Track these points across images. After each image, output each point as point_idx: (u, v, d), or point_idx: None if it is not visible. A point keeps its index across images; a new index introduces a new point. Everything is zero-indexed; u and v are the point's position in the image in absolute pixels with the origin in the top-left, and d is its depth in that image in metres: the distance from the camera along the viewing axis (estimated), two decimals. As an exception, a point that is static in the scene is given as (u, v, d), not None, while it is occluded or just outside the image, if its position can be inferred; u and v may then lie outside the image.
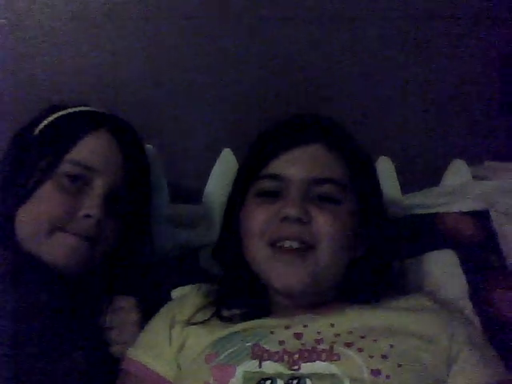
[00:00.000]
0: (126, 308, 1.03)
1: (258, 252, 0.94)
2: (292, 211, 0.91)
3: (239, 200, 0.99)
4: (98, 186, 0.99)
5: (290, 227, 0.91)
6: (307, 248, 0.91)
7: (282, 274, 0.91)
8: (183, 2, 1.39)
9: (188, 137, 1.42)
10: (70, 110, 1.06)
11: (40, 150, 1.02)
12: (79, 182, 0.99)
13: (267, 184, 0.96)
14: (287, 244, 0.91)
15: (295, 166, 0.95)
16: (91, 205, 0.98)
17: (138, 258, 1.10)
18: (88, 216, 0.97)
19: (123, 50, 1.39)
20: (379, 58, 1.44)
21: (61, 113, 1.05)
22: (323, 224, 0.91)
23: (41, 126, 1.04)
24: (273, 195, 0.95)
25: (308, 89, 1.42)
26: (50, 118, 1.05)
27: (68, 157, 1.00)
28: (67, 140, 1.01)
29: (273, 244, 0.92)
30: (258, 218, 0.94)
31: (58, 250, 0.97)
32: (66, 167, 0.99)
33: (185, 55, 1.40)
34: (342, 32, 1.43)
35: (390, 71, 1.45)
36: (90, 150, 1.01)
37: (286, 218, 0.91)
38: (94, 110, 1.08)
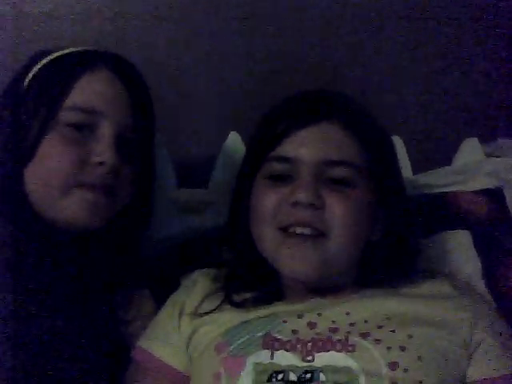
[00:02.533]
0: (140, 300, 1.01)
1: (267, 237, 0.90)
2: (304, 196, 0.86)
3: (248, 183, 0.94)
4: (106, 129, 0.91)
5: (302, 213, 0.86)
6: (318, 235, 0.87)
7: (291, 259, 0.87)
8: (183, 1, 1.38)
9: (194, 121, 1.40)
10: (60, 53, 0.95)
11: (34, 100, 0.91)
12: (84, 129, 0.91)
13: (277, 167, 0.91)
14: (298, 230, 0.87)
15: (307, 147, 0.89)
16: (102, 150, 0.90)
17: (137, 232, 1.04)
18: (101, 163, 0.89)
19: (123, 49, 1.37)
20: (387, 39, 1.41)
21: (50, 57, 0.95)
22: (336, 211, 0.86)
23: (30, 74, 0.94)
24: (283, 178, 0.90)
25: (314, 73, 1.39)
26: (39, 65, 0.94)
27: (66, 103, 0.90)
28: (62, 84, 0.91)
29: (283, 229, 0.88)
30: (268, 202, 0.89)
31: (75, 207, 0.89)
32: (66, 115, 0.90)
33: (191, 39, 1.38)
34: (342, 30, 1.40)
35: (400, 52, 1.42)
36: (90, 91, 0.91)
37: (297, 203, 0.86)
38: (87, 48, 0.98)
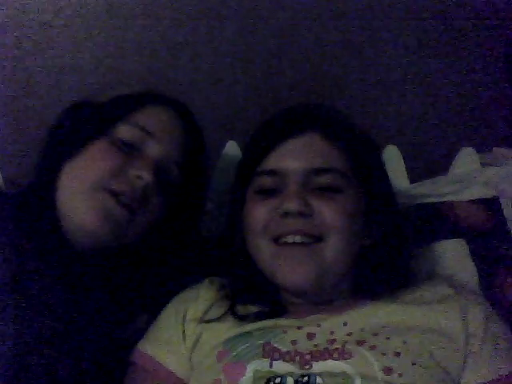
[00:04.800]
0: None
1: (261, 249, 0.91)
2: (291, 205, 0.88)
3: (240, 198, 0.96)
4: (151, 149, 0.97)
5: (292, 222, 0.88)
6: (314, 241, 0.88)
7: (287, 270, 0.88)
8: (183, 1, 1.38)
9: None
10: (139, 90, 1.05)
11: (100, 111, 1.00)
12: (132, 147, 0.96)
13: (265, 181, 0.93)
14: (290, 239, 0.88)
15: (291, 157, 0.91)
16: (143, 166, 0.94)
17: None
18: (138, 177, 0.93)
19: (123, 49, 1.38)
20: (385, 49, 1.43)
21: (128, 91, 1.04)
22: (328, 214, 0.88)
23: (104, 98, 1.02)
24: (272, 191, 0.92)
25: (310, 83, 1.41)
26: (114, 94, 1.03)
27: (127, 119, 0.98)
28: (129, 106, 0.99)
29: (276, 240, 0.90)
30: (259, 215, 0.91)
31: (93, 210, 0.91)
32: (123, 128, 0.97)
33: (189, 48, 1.40)
34: (343, 29, 1.42)
35: (397, 61, 1.43)
36: (149, 115, 0.99)
37: (286, 213, 0.88)
38: (163, 93, 1.06)
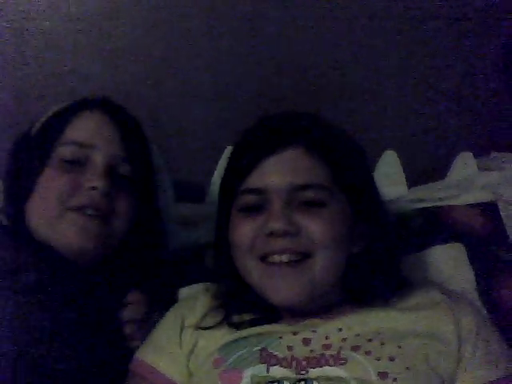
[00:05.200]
0: (133, 303, 1.02)
1: (249, 268, 0.91)
2: (277, 225, 0.86)
3: (225, 217, 0.95)
4: (98, 158, 0.99)
5: (278, 241, 0.87)
6: (302, 257, 0.88)
7: (277, 289, 0.88)
8: (183, 1, 1.39)
9: (191, 136, 1.41)
10: (61, 105, 1.07)
11: (37, 141, 1.02)
12: (78, 163, 0.99)
13: (249, 198, 0.91)
14: (277, 259, 0.88)
15: (274, 174, 0.90)
16: (94, 176, 0.97)
17: (155, 251, 1.09)
18: (93, 188, 0.97)
19: (123, 50, 1.39)
20: (381, 54, 1.43)
21: (55, 108, 1.06)
22: (314, 230, 0.87)
23: (37, 124, 1.05)
24: (257, 208, 0.90)
25: (310, 87, 1.41)
26: (44, 117, 1.06)
27: (62, 139, 1.00)
28: (60, 124, 1.02)
29: (263, 259, 0.89)
30: (244, 234, 0.90)
31: (69, 230, 0.95)
32: (61, 150, 1.00)
33: (186, 55, 1.40)
34: (342, 31, 1.42)
35: (393, 65, 1.43)
36: (83, 128, 1.01)
37: (272, 233, 0.87)
38: (85, 97, 1.08)
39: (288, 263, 0.87)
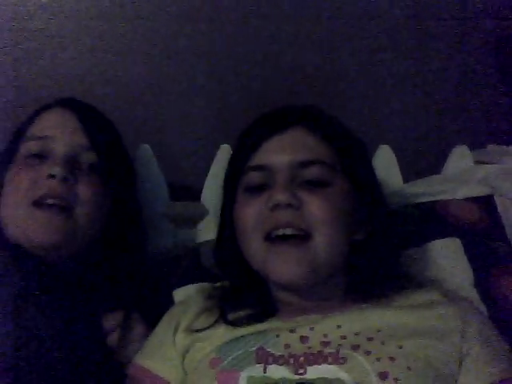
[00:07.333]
0: (130, 325, 1.01)
1: (254, 248, 0.91)
2: (280, 197, 0.88)
3: (230, 199, 0.97)
4: (57, 148, 1.00)
5: (282, 214, 0.88)
6: (303, 237, 0.88)
7: (280, 267, 0.88)
8: (182, 2, 1.38)
9: (186, 134, 1.41)
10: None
11: (7, 144, 1.06)
12: (40, 157, 1.00)
13: (253, 177, 0.94)
14: (281, 232, 0.88)
15: (277, 152, 0.92)
16: (51, 164, 0.98)
17: (137, 254, 1.08)
18: (52, 176, 0.97)
19: (123, 50, 1.39)
20: (377, 51, 1.43)
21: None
22: (316, 208, 0.88)
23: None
24: (261, 188, 0.92)
25: (307, 85, 1.41)
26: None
27: (25, 135, 1.03)
28: (24, 124, 1.05)
29: (267, 236, 0.89)
30: (249, 212, 0.92)
31: (33, 226, 0.96)
32: (23, 146, 1.02)
33: (183, 55, 1.40)
34: (341, 30, 1.42)
35: (389, 61, 1.44)
36: (44, 123, 1.04)
37: (276, 206, 0.88)
38: (56, 98, 1.09)
39: (293, 240, 0.88)
